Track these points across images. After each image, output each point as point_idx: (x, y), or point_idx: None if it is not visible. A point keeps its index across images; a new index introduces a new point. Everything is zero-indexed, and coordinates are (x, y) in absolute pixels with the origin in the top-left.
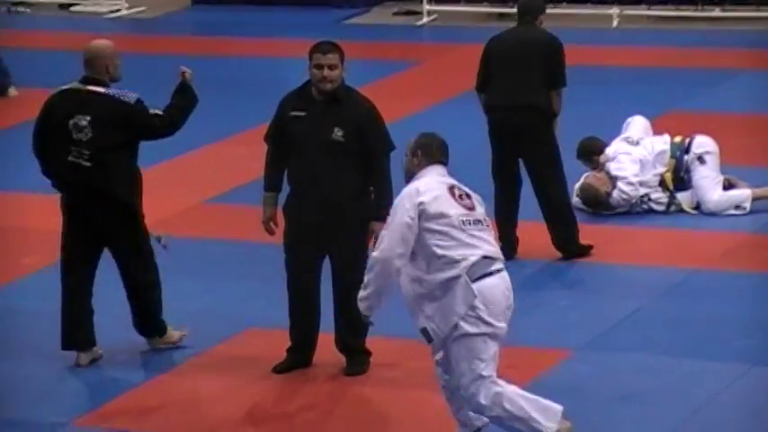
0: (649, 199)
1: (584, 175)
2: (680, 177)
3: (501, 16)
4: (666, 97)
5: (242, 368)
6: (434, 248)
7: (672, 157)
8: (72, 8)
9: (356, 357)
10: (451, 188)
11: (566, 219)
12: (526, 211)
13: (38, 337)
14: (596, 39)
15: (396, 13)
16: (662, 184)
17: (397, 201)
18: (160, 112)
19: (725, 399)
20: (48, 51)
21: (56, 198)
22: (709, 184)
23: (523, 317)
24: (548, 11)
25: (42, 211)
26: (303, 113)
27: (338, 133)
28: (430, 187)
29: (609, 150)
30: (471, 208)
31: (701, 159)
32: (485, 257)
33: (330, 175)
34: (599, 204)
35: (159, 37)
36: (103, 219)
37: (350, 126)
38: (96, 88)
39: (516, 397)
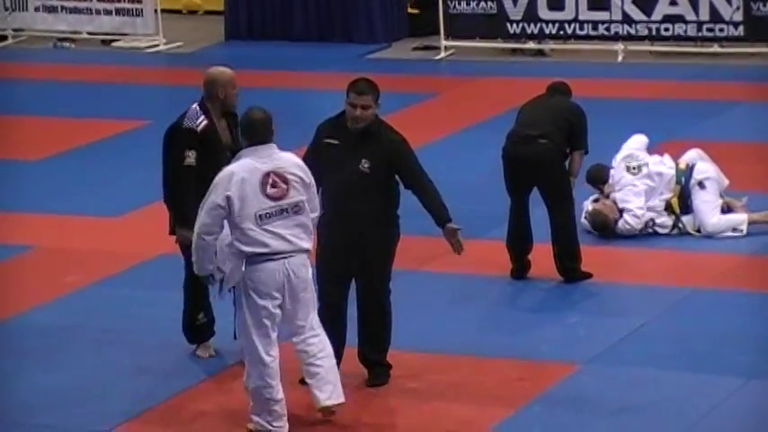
0: (654, 223)
1: (591, 198)
2: (686, 203)
3: (514, 51)
4: (669, 127)
5: None
6: (234, 234)
7: (678, 182)
8: (113, 44)
9: (378, 370)
10: (267, 175)
11: (569, 247)
12: (537, 233)
13: (82, 350)
14: (602, 72)
15: (415, 48)
16: (668, 208)
17: (215, 180)
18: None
19: (724, 411)
20: (90, 84)
21: (94, 220)
22: (708, 207)
23: (533, 332)
24: (556, 46)
25: (82, 232)
26: (336, 142)
27: (365, 164)
28: (242, 176)
29: (614, 177)
30: (280, 197)
31: (701, 185)
32: (267, 253)
33: (353, 202)
34: (606, 229)
35: (195, 70)
36: None
37: (377, 158)
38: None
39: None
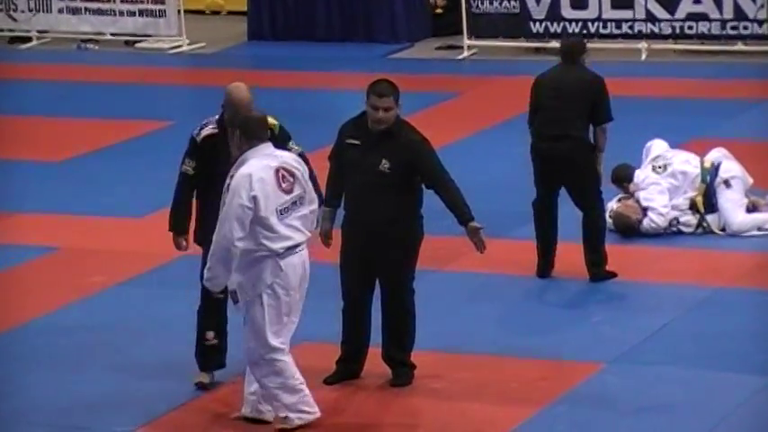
0: (678, 222)
1: (616, 198)
2: (710, 202)
3: (537, 50)
4: (692, 125)
5: None
6: (259, 236)
7: (702, 181)
8: (136, 45)
9: (401, 370)
10: (277, 171)
11: (595, 245)
12: (564, 231)
13: (106, 350)
14: (626, 71)
15: (438, 48)
16: (693, 206)
17: (233, 185)
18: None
19: (747, 409)
20: (113, 85)
21: (118, 221)
22: (733, 206)
23: (558, 332)
24: None
25: (106, 233)
26: (358, 142)
27: (385, 165)
28: (260, 175)
29: (639, 176)
30: (291, 190)
31: (726, 183)
32: (292, 246)
33: (373, 202)
34: (630, 230)
35: (217, 70)
36: None
37: (397, 159)
38: None
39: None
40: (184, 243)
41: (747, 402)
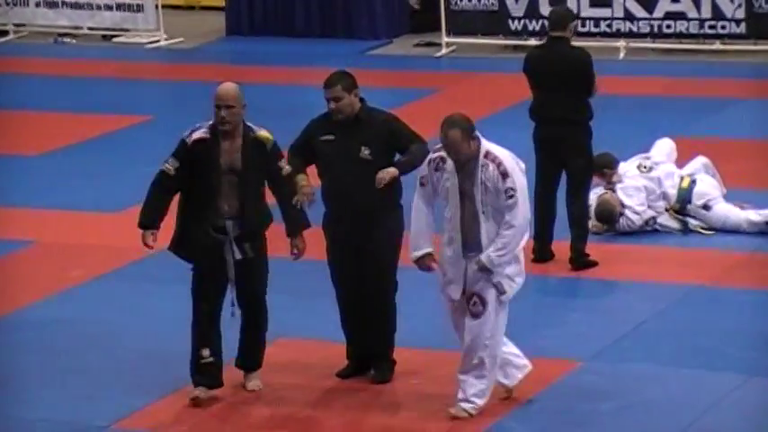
0: (655, 221)
1: (595, 190)
2: (683, 219)
3: (516, 48)
4: (671, 123)
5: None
6: None
7: (677, 201)
8: (114, 39)
9: (382, 364)
10: None
11: (583, 232)
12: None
13: (83, 343)
14: (604, 69)
15: (417, 45)
16: (668, 211)
17: (511, 168)
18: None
19: (724, 406)
20: (91, 79)
21: (96, 215)
22: (731, 216)
23: (536, 329)
24: None
25: (83, 227)
26: (332, 137)
27: (365, 152)
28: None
29: (623, 167)
30: None
31: (706, 207)
32: None
33: (360, 190)
34: (610, 221)
35: (195, 65)
36: None
37: (375, 143)
38: None
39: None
40: (152, 239)
41: (724, 400)
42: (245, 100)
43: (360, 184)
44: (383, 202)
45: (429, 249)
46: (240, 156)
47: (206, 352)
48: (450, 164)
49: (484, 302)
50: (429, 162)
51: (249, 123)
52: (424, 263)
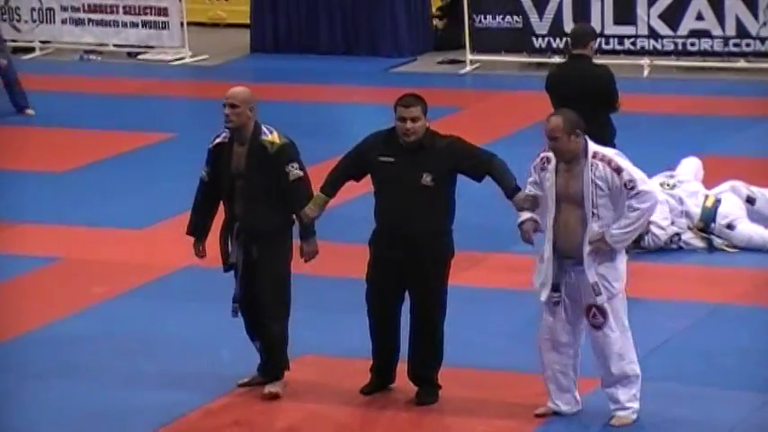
0: (680, 239)
1: None
2: (708, 237)
3: (540, 66)
4: (695, 141)
5: (298, 393)
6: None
7: (701, 220)
8: (139, 56)
9: (427, 389)
10: None
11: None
12: None
13: (108, 361)
14: (628, 87)
15: (440, 62)
16: (691, 229)
17: (623, 163)
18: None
19: (748, 426)
20: (116, 96)
21: (120, 232)
22: (755, 236)
23: None
24: None
25: (109, 244)
26: (392, 159)
27: (427, 178)
28: None
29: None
30: None
31: (730, 227)
32: None
33: (417, 216)
34: (636, 239)
35: (220, 83)
36: None
37: (438, 170)
38: None
39: None
40: (201, 249)
41: (749, 419)
42: (259, 112)
43: (417, 211)
44: (439, 228)
45: (533, 215)
46: (246, 159)
47: (258, 344)
48: (552, 165)
49: (604, 313)
50: (536, 160)
51: (266, 127)
52: (525, 229)
